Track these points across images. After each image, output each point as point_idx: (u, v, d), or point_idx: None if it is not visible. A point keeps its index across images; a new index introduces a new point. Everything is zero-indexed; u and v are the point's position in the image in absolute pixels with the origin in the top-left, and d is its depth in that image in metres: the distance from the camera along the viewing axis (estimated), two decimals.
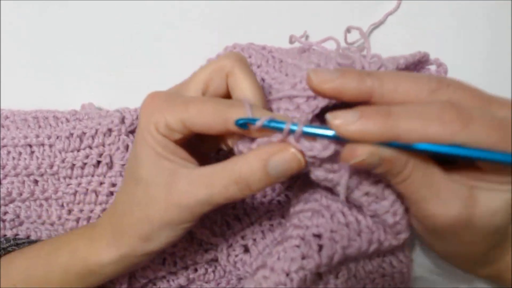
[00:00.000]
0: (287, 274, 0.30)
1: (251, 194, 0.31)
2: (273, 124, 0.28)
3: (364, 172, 0.30)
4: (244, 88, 0.32)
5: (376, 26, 0.45)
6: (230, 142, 0.32)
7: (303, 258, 0.31)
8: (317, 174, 0.30)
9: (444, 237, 0.31)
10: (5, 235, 0.42)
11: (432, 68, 0.43)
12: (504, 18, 0.45)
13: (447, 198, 0.29)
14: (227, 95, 0.33)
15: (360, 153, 0.27)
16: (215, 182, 0.30)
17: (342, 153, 0.28)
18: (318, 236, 0.32)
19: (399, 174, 0.28)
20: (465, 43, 0.45)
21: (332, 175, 0.30)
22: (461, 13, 0.45)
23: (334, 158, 0.29)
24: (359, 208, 0.33)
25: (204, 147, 0.36)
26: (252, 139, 0.30)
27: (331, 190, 0.34)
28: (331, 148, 0.28)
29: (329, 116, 0.27)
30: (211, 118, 0.30)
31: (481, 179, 0.29)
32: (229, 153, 0.33)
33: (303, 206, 0.34)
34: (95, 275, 0.34)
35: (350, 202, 0.33)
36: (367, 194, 0.31)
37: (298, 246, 0.31)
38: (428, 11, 0.46)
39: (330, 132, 0.28)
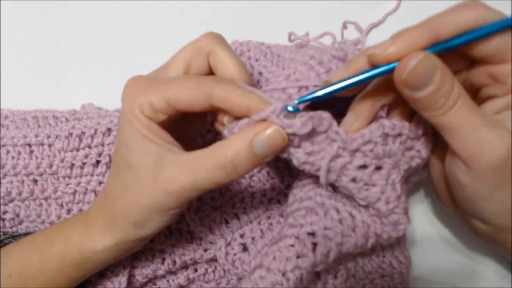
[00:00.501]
0: (283, 274, 0.30)
1: (237, 178, 0.30)
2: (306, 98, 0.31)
3: (349, 154, 0.30)
4: (228, 65, 0.32)
5: (376, 25, 0.45)
6: (223, 119, 0.32)
7: (298, 257, 0.31)
8: (298, 156, 0.30)
9: (492, 181, 0.30)
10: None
11: None
12: None
13: (496, 126, 0.29)
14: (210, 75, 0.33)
15: (414, 57, 0.27)
16: (201, 167, 0.30)
17: (394, 72, 0.28)
18: (312, 234, 0.32)
19: (448, 98, 0.28)
20: None
21: (312, 157, 0.30)
22: None
23: (312, 139, 0.30)
24: (355, 203, 0.33)
25: (191, 130, 0.36)
26: (237, 119, 0.30)
27: (326, 188, 0.34)
28: (309, 124, 0.29)
29: (368, 52, 0.29)
30: (195, 93, 0.30)
31: (505, 108, 0.30)
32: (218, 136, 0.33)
33: (298, 205, 0.34)
34: (90, 262, 0.35)
35: (341, 193, 0.33)
36: (354, 180, 0.31)
37: (292, 245, 0.31)
38: (428, 11, 0.45)
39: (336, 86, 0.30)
